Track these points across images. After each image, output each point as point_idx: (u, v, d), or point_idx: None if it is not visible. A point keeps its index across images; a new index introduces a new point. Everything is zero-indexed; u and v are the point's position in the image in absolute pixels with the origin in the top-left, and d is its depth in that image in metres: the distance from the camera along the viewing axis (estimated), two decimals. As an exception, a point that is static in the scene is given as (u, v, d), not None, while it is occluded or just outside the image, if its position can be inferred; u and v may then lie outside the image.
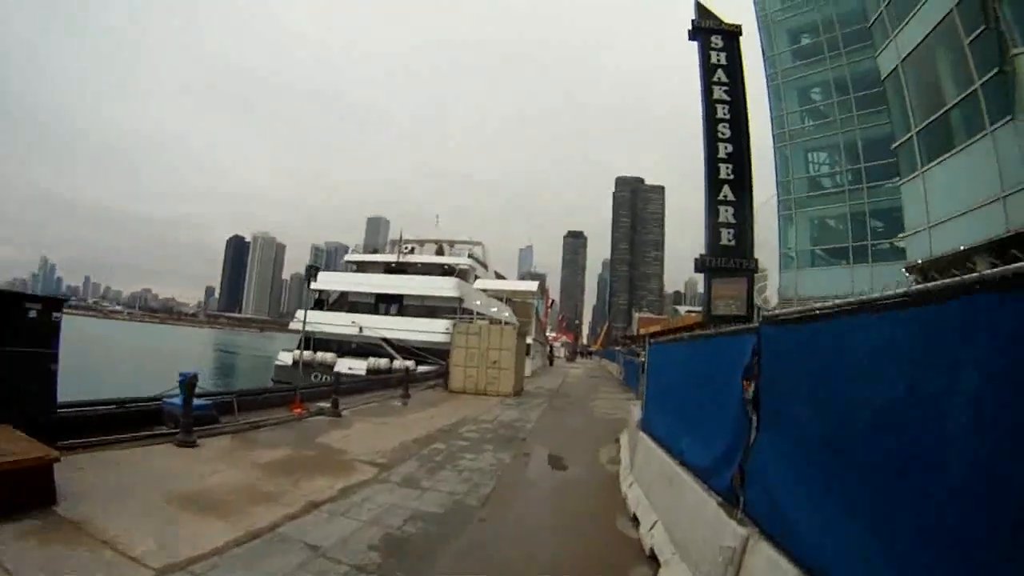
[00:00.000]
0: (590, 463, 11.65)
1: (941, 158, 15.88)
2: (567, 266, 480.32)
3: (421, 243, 50.70)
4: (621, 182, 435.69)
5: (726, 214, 26.30)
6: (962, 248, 13.71)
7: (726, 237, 26.12)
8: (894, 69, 18.38)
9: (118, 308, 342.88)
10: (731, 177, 26.53)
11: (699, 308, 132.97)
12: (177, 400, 10.45)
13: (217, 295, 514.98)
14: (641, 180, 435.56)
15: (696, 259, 26.24)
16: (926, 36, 16.13)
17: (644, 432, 9.09)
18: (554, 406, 21.16)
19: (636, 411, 11.47)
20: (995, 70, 13.06)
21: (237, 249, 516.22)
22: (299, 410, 14.56)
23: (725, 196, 26.38)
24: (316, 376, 32.38)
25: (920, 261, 16.54)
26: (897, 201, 29.96)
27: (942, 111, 15.88)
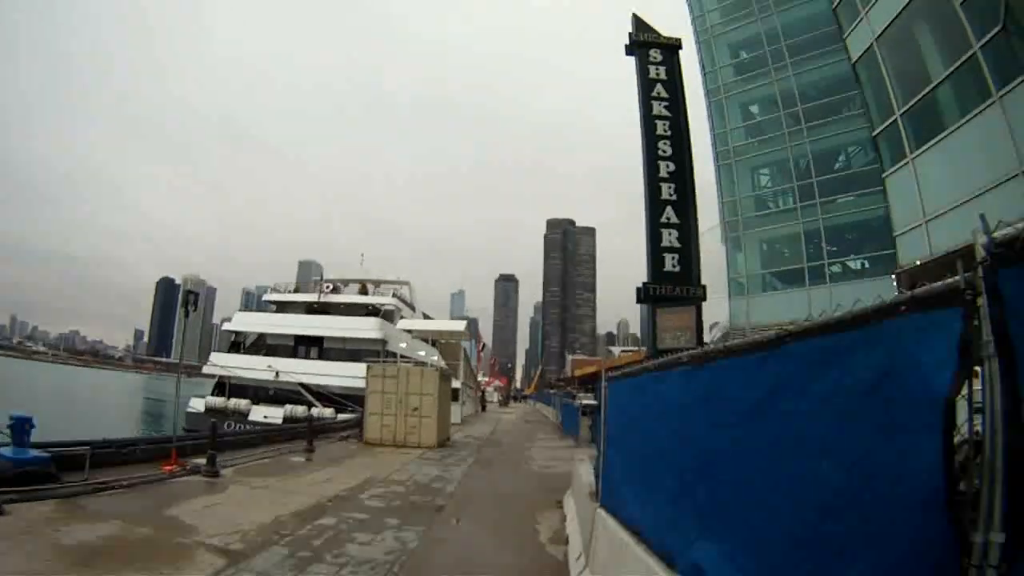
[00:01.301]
0: (526, 543, 8.69)
1: (936, 139, 13.77)
2: (499, 310, 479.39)
3: (345, 283, 47.96)
4: (552, 224, 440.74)
5: (669, 238, 24.18)
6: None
7: (670, 263, 23.97)
8: (867, 50, 16.47)
9: (42, 349, 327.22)
10: (673, 197, 24.55)
11: (633, 348, 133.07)
12: (5, 451, 8.87)
13: (147, 338, 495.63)
14: (572, 222, 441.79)
15: (638, 288, 24.01)
16: (905, 6, 14.19)
17: (607, 511, 6.20)
18: (484, 459, 18.15)
19: (585, 469, 8.79)
20: (999, 27, 11.06)
21: (167, 291, 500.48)
22: (170, 467, 11.99)
23: (667, 218, 24.32)
24: (229, 425, 29.57)
25: (919, 262, 14.27)
26: (855, 215, 28.84)
27: (930, 87, 13.89)
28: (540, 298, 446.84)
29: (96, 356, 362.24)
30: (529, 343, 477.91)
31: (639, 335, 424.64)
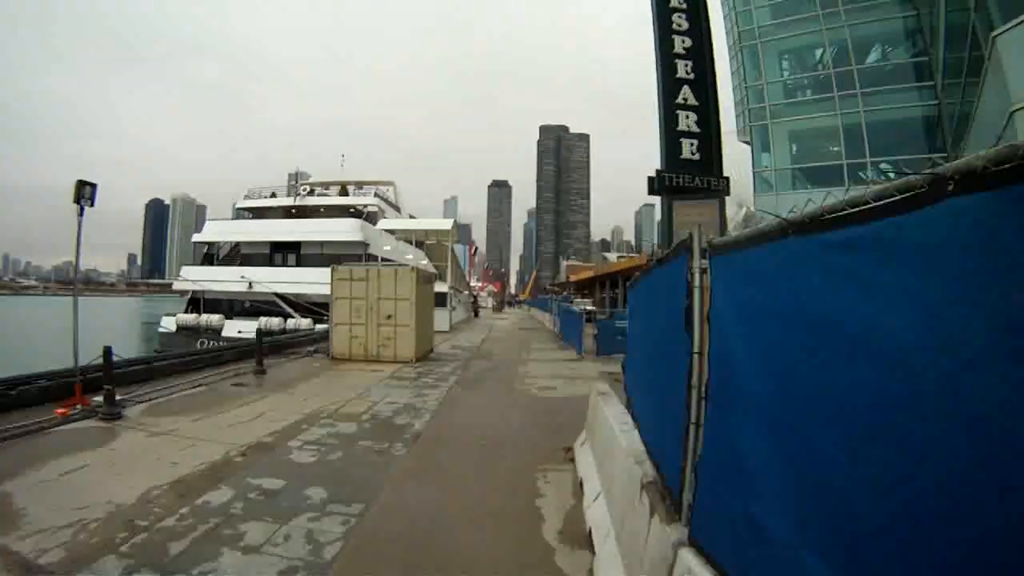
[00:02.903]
0: (522, 543, 5.29)
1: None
2: (492, 216, 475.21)
3: (326, 186, 44.54)
4: (545, 130, 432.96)
5: (687, 121, 20.47)
6: None
7: (688, 149, 20.38)
8: None
9: (33, 283, 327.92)
10: (691, 76, 20.77)
11: (627, 255, 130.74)
12: None
13: (140, 262, 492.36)
14: (566, 128, 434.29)
15: (651, 177, 20.46)
16: None
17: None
18: (470, 377, 14.88)
19: (615, 413, 5.91)
20: None
21: (156, 213, 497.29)
22: (64, 409, 9.26)
23: (684, 99, 20.56)
24: (203, 342, 27.96)
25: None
26: (903, 112, 25.36)
27: None
28: (534, 204, 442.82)
29: (89, 284, 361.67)
30: (523, 249, 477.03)
31: (633, 242, 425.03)
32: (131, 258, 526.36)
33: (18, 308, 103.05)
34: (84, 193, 11.22)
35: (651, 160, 22.10)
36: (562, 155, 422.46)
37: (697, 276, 3.26)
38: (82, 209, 11.20)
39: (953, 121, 20.50)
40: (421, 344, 18.13)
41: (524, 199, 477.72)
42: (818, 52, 27.33)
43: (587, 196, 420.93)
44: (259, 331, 15.86)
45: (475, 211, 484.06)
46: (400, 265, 19.58)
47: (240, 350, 16.77)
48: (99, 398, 9.51)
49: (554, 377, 15.04)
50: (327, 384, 13.20)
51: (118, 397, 9.80)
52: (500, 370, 16.43)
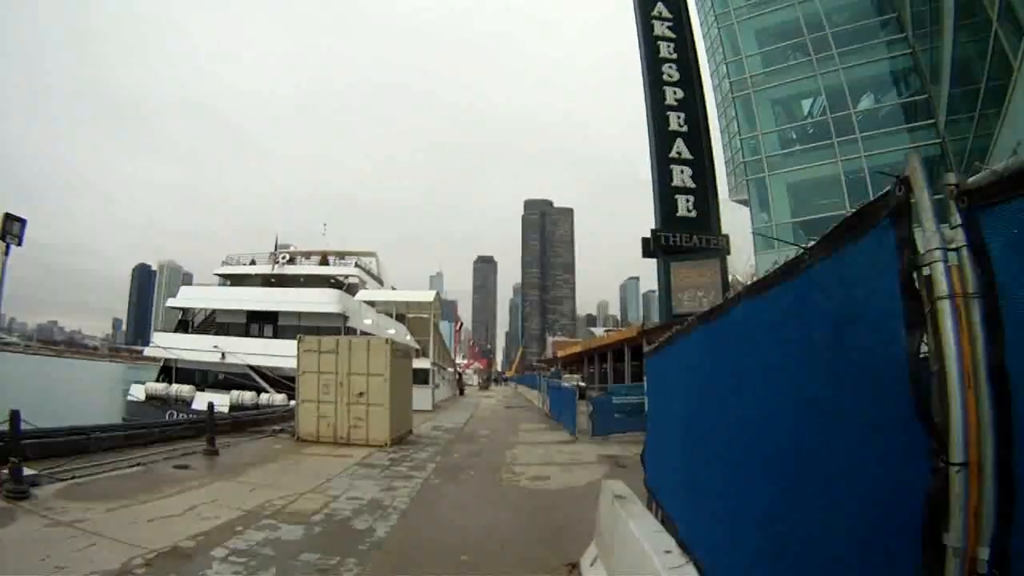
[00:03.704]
0: None
1: None
2: (478, 292, 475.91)
3: (306, 255, 43.19)
4: (529, 205, 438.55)
5: (681, 176, 19.30)
6: None
7: (684, 206, 19.12)
8: None
9: (14, 340, 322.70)
10: (684, 128, 19.74)
11: (613, 329, 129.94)
12: None
13: (124, 327, 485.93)
14: (550, 203, 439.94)
15: (645, 239, 19.15)
16: None
17: None
18: (450, 465, 12.92)
19: (643, 527, 4.04)
20: None
21: (143, 278, 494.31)
22: None
23: (679, 153, 19.45)
24: (171, 414, 25.65)
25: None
26: (902, 153, 24.17)
27: None
28: (519, 279, 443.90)
29: (71, 346, 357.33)
30: (509, 325, 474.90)
31: (618, 316, 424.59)
32: (116, 322, 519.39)
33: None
34: (10, 229, 9.64)
35: (634, 232, 20.92)
36: (547, 230, 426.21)
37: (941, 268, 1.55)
38: (8, 247, 9.61)
39: (965, 157, 19.48)
40: (397, 425, 16.21)
41: (510, 274, 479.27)
42: (812, 99, 26.64)
43: (572, 271, 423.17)
44: (211, 405, 13.97)
45: (461, 287, 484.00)
46: (373, 336, 17.93)
47: (196, 426, 14.87)
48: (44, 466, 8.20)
49: (547, 464, 13.17)
50: (284, 471, 11.30)
51: (35, 471, 8.52)
52: (485, 455, 14.51)
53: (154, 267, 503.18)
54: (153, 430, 14.17)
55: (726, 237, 19.12)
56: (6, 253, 9.52)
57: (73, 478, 9.03)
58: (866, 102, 25.45)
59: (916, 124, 23.09)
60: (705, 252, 18.45)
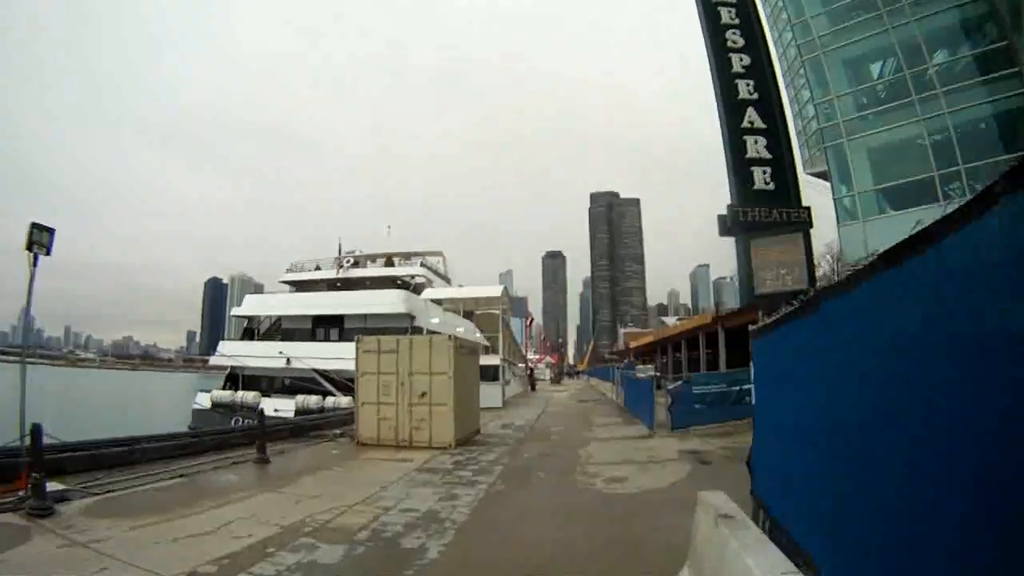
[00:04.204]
0: None
1: None
2: (548, 287, 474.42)
3: (372, 258, 42.98)
4: (596, 197, 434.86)
5: (755, 146, 17.79)
6: None
7: (761, 179, 17.62)
8: None
9: (90, 356, 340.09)
10: (754, 96, 18.26)
11: (685, 317, 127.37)
12: None
13: (198, 339, 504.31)
14: (616, 194, 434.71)
15: (722, 216, 17.75)
16: None
17: None
18: (518, 467, 11.88)
19: (738, 530, 2.84)
20: None
21: (215, 291, 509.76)
22: None
23: (751, 122, 17.96)
24: (238, 421, 26.02)
25: None
26: (995, 106, 22.13)
27: None
28: (588, 273, 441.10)
29: (146, 359, 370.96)
30: (580, 319, 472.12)
31: (689, 305, 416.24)
32: (190, 335, 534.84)
33: (64, 379, 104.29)
34: (38, 239, 9.13)
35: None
36: (614, 221, 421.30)
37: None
38: (36, 258, 9.12)
39: None
40: (463, 425, 15.32)
41: (579, 269, 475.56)
42: (885, 56, 24.52)
43: (641, 261, 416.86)
44: (261, 411, 13.33)
45: (530, 284, 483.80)
46: (436, 334, 17.10)
47: (251, 433, 14.34)
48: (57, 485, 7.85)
49: (624, 462, 11.99)
50: (337, 479, 10.52)
51: (64, 487, 8.16)
52: (557, 455, 13.42)
53: (225, 280, 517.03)
54: (205, 439, 13.65)
55: (808, 209, 17.55)
56: (35, 264, 8.99)
57: (109, 492, 8.54)
58: (941, 56, 23.26)
59: (997, 75, 20.82)
60: (787, 227, 16.96)
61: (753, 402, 5.28)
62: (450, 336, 15.93)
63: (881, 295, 2.56)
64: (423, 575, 5.71)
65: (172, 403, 61.11)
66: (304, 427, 17.57)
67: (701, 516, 4.40)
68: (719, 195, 21.46)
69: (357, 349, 15.47)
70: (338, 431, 16.96)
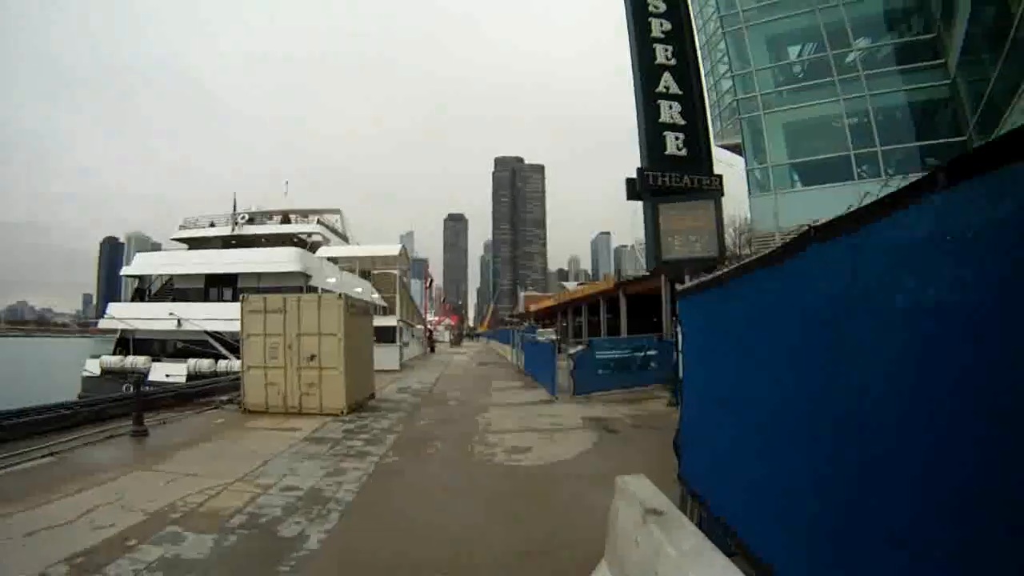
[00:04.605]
0: None
1: None
2: (449, 249, 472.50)
3: (268, 215, 40.99)
4: (500, 162, 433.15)
5: (670, 111, 17.36)
6: None
7: (673, 144, 17.22)
8: None
9: None
10: (671, 62, 17.77)
11: (585, 282, 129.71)
12: None
13: (95, 302, 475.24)
14: (520, 159, 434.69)
15: (630, 179, 17.34)
16: None
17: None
18: (414, 437, 11.07)
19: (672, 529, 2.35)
20: None
21: (112, 252, 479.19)
22: None
23: (666, 87, 17.50)
24: (128, 388, 23.64)
25: None
26: (914, 95, 22.82)
27: None
28: (490, 237, 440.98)
29: (41, 325, 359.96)
30: (480, 282, 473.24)
31: (590, 271, 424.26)
32: (87, 298, 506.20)
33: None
34: None
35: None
36: (517, 186, 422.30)
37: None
38: None
39: (981, 102, 17.94)
40: (356, 390, 14.43)
41: (480, 233, 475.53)
42: (809, 39, 24.81)
43: (543, 226, 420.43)
44: (138, 380, 11.99)
45: (432, 246, 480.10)
46: (328, 293, 16.05)
47: (129, 402, 12.91)
48: None
49: (526, 430, 11.45)
50: (217, 453, 9.49)
51: None
52: (455, 422, 12.75)
53: (122, 239, 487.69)
54: (81, 411, 12.18)
55: (720, 177, 17.41)
56: None
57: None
58: (865, 42, 23.73)
59: (921, 65, 21.42)
60: (698, 193, 16.73)
61: (680, 373, 4.63)
62: (340, 295, 14.86)
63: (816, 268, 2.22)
64: (300, 573, 4.92)
65: (62, 371, 56.96)
66: (189, 394, 16.19)
67: (621, 506, 3.75)
68: (623, 167, 21.32)
69: (242, 309, 14.28)
70: (225, 398, 15.69)
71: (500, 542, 5.55)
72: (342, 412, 13.30)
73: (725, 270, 3.64)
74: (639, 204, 17.24)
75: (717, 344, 3.95)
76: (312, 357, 13.56)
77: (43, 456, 8.74)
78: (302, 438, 10.63)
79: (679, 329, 4.74)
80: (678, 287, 4.85)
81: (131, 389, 22.23)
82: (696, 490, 3.98)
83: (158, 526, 5.87)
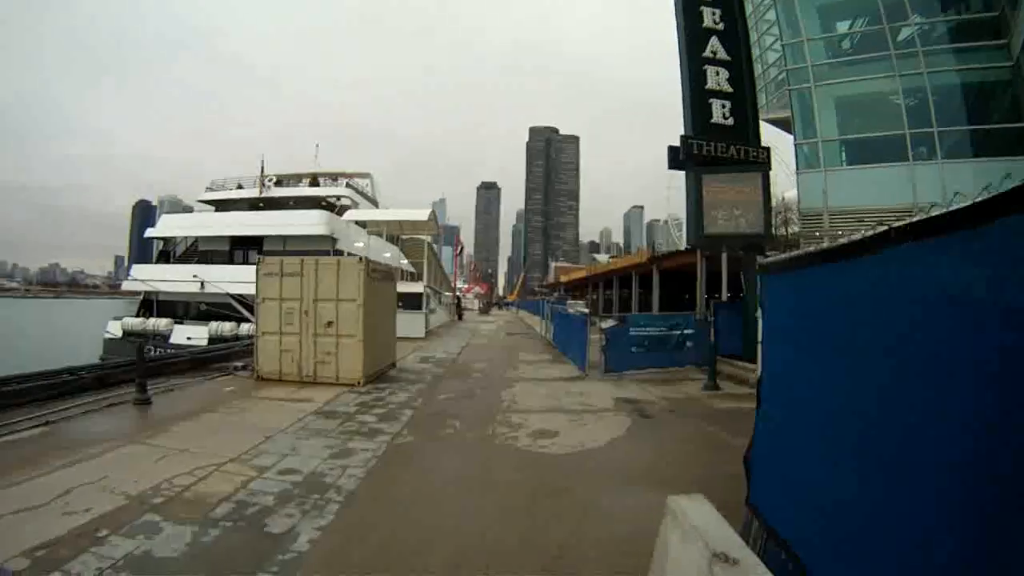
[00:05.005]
0: None
1: None
2: (481, 218, 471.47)
3: (297, 177, 40.46)
4: (535, 132, 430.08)
5: (717, 78, 16.12)
6: None
7: (719, 112, 16.02)
8: None
9: (15, 285, 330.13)
10: (719, 26, 16.49)
11: (617, 255, 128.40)
12: None
13: (126, 263, 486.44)
14: (555, 130, 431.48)
15: (672, 147, 16.27)
16: None
17: None
18: (431, 413, 10.32)
19: None
20: None
21: (144, 214, 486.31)
22: None
23: (713, 52, 16.24)
24: (149, 350, 23.55)
25: None
26: (981, 75, 21.25)
27: None
28: (522, 206, 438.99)
29: (73, 286, 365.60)
30: (512, 251, 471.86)
31: (622, 244, 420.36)
32: (119, 260, 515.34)
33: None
34: None
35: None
36: (551, 157, 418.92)
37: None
38: None
39: None
40: (374, 359, 13.75)
41: (513, 202, 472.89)
42: (862, 12, 23.20)
43: (576, 198, 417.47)
44: (140, 347, 11.33)
45: (465, 214, 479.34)
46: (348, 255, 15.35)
47: (131, 368, 12.29)
48: None
49: (553, 410, 10.60)
50: (219, 425, 8.81)
51: None
52: (477, 398, 11.95)
53: (154, 202, 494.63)
54: (85, 376, 11.60)
55: (768, 150, 16.27)
56: None
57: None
58: (921, 17, 22.13)
59: (980, 43, 19.85)
60: (745, 165, 15.63)
61: (759, 373, 3.65)
62: (361, 258, 14.10)
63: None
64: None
65: (88, 332, 57.68)
66: (205, 359, 15.67)
67: (674, 540, 2.87)
68: (660, 139, 20.32)
69: (257, 272, 13.59)
70: (240, 364, 15.14)
71: (517, 559, 4.70)
72: (359, 383, 12.62)
73: (850, 239, 2.64)
74: (671, 181, 16.24)
75: (810, 340, 3.00)
76: (329, 324, 12.87)
77: (36, 426, 8.15)
78: (312, 411, 9.93)
79: (759, 312, 3.70)
80: (760, 260, 3.90)
81: (155, 351, 22.13)
82: (775, 529, 3.07)
83: (136, 513, 5.18)
